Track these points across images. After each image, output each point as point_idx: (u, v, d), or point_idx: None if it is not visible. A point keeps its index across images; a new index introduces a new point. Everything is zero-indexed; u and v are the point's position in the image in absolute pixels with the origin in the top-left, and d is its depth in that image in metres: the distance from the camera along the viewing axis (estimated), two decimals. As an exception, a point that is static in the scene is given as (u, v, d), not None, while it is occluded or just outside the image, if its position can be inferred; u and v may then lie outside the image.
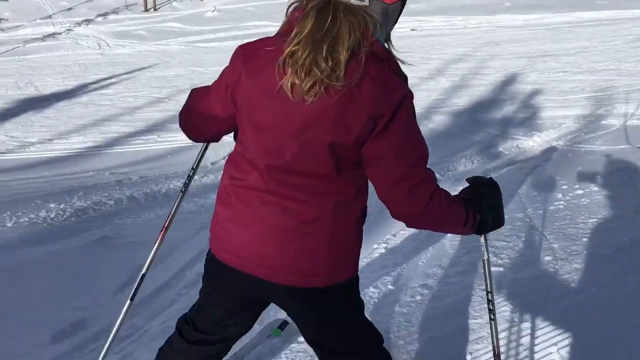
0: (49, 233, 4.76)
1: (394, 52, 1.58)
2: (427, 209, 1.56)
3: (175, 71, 17.29)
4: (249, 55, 1.55)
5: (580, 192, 4.52)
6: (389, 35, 1.62)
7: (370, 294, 3.27)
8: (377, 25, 1.47)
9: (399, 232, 4.24)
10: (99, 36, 21.38)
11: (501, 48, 15.93)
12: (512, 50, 15.35)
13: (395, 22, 1.63)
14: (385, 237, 4.17)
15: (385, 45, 1.60)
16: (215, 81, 1.67)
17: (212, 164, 7.84)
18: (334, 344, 1.79)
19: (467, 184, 1.86)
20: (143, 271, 2.35)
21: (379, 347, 1.87)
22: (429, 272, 3.43)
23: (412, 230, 4.26)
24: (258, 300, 1.83)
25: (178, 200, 2.36)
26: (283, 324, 2.91)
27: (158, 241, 2.36)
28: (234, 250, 1.66)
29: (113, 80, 13.63)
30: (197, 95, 1.83)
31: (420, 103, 10.28)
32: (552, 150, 6.84)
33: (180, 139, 9.20)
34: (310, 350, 2.71)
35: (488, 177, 1.85)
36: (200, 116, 1.79)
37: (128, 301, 2.33)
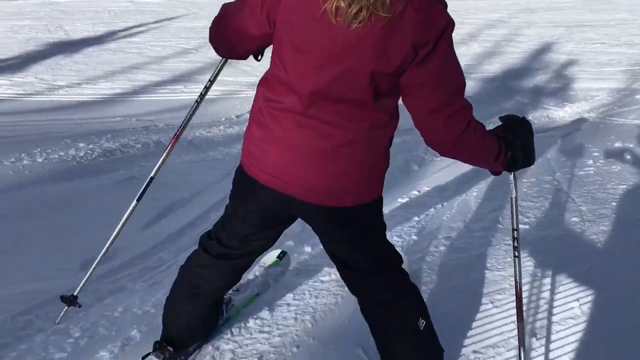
0: (79, 170, 4.84)
1: None
2: (462, 138, 1.58)
3: (204, 23, 17.17)
4: None
5: (611, 159, 4.45)
6: None
7: (394, 242, 3.29)
8: None
9: (423, 189, 4.24)
10: (129, -16, 21.35)
11: (537, 16, 15.52)
12: (549, 18, 14.95)
13: None
14: (409, 192, 4.16)
15: None
16: None
17: (237, 116, 7.85)
18: (355, 261, 1.86)
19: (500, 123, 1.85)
20: (152, 174, 2.50)
21: (399, 267, 1.93)
22: (453, 226, 3.43)
23: (437, 187, 4.26)
24: (285, 218, 1.88)
25: (193, 109, 2.42)
26: (282, 254, 2.97)
27: (169, 147, 2.50)
28: (267, 168, 1.69)
29: (142, 28, 13.58)
30: (230, 9, 1.78)
31: (450, 67, 10.13)
32: (583, 122, 6.70)
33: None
34: (333, 288, 2.77)
35: (521, 116, 1.84)
36: (231, 31, 1.77)
37: (134, 201, 2.49)
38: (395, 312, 1.89)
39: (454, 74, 1.55)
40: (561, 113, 7.48)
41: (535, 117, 7.41)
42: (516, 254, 1.95)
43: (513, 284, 2.68)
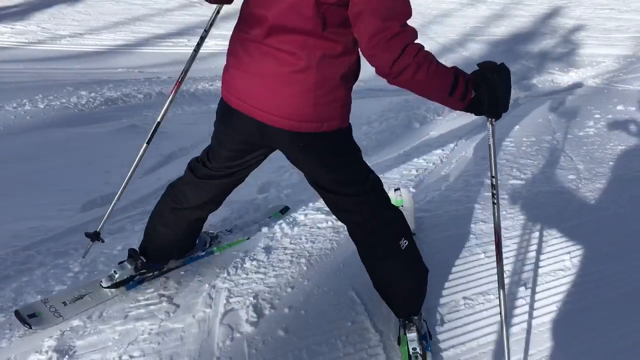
0: (80, 117, 4.85)
1: None
2: (400, 63, 1.60)
3: (209, -22, 16.85)
4: None
5: (612, 121, 4.45)
6: None
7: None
8: None
9: (424, 145, 4.26)
10: None
11: (547, -20, 15.28)
12: (559, -18, 14.71)
13: None
14: (410, 147, 4.18)
15: None
16: None
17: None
18: (330, 185, 1.99)
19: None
20: (158, 119, 2.59)
21: (377, 190, 2.05)
22: (450, 180, 3.46)
23: (437, 144, 4.27)
24: (259, 143, 2.00)
25: (190, 58, 2.50)
26: (284, 209, 3.11)
27: (172, 93, 2.52)
28: (237, 92, 1.87)
29: (146, -20, 13.32)
30: None
31: (456, 30, 9.99)
32: (588, 87, 6.67)
33: (209, 44, 9.13)
34: (329, 235, 2.81)
35: (500, 63, 1.81)
36: None
37: (144, 144, 2.59)
38: (376, 233, 2.02)
39: (390, 1, 1.59)
40: (566, 78, 7.42)
41: (540, 82, 7.36)
42: (494, 201, 1.97)
43: (506, 236, 2.75)
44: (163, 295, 2.34)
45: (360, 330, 2.20)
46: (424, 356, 2.00)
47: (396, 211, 2.07)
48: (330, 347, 2.11)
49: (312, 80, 1.73)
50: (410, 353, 2.00)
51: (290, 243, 2.74)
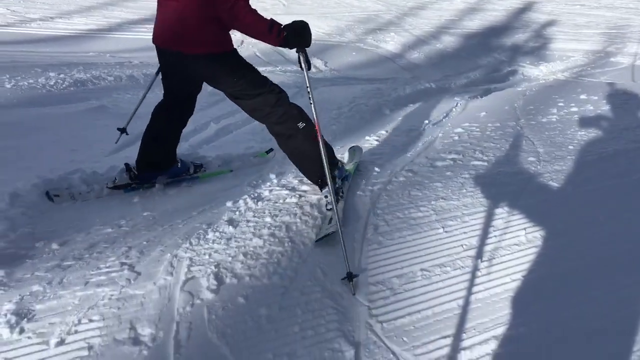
0: (48, 97, 4.81)
1: None
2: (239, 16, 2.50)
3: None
4: None
5: (575, 109, 4.56)
6: None
7: (355, 174, 3.38)
8: None
9: (392, 129, 4.32)
10: None
11: (521, -24, 15.48)
12: (532, -22, 14.93)
13: None
14: (378, 131, 4.24)
15: None
16: None
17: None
18: (237, 101, 2.80)
19: None
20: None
21: (275, 92, 2.78)
22: (415, 161, 3.52)
23: (405, 129, 4.34)
24: (178, 68, 2.80)
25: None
26: (269, 150, 3.72)
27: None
28: (154, 34, 2.76)
29: (120, -36, 13.17)
30: None
31: (431, 22, 10.08)
32: (556, 79, 6.80)
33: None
34: (292, 209, 2.85)
35: (303, 21, 2.61)
36: None
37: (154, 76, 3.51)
38: (280, 121, 2.78)
39: None
40: (536, 71, 7.56)
41: (510, 74, 7.49)
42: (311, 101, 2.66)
43: (465, 212, 2.82)
44: (124, 264, 2.36)
45: (318, 298, 2.24)
46: (334, 204, 2.60)
47: (293, 105, 2.82)
48: (290, 314, 2.15)
49: (194, 18, 2.57)
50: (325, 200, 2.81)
51: (254, 216, 2.77)
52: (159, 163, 3.20)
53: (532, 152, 3.61)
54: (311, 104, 2.66)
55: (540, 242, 2.67)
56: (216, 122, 4.46)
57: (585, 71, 7.38)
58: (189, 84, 2.95)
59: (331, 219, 2.71)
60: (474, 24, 10.13)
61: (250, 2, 2.59)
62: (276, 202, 2.91)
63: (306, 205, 2.87)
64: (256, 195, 2.99)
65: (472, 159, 3.51)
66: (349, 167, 3.28)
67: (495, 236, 2.70)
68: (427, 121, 4.54)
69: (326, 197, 2.81)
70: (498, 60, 8.25)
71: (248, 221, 2.72)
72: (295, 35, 2.59)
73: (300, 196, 2.98)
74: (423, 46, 8.81)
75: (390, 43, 8.91)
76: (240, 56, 2.78)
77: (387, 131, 4.29)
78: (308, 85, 2.68)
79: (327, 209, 2.81)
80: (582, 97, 4.95)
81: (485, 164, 3.43)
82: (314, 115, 2.68)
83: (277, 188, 3.08)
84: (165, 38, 2.68)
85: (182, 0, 2.55)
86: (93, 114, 4.48)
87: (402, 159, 3.61)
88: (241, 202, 2.90)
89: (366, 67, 7.88)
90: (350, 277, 2.32)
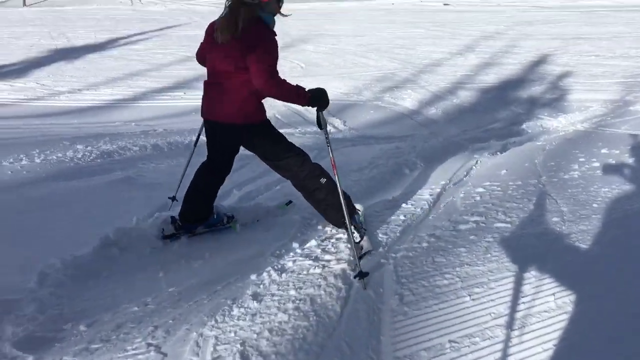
0: (75, 170, 4.94)
1: (274, 20, 3.18)
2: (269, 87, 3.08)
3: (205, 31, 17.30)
4: (209, 26, 3.28)
5: (596, 164, 4.53)
6: (277, 12, 3.19)
7: (378, 239, 3.38)
8: (260, 9, 3.07)
9: (413, 190, 4.33)
10: (132, -7, 21.53)
11: (534, 28, 15.70)
12: (546, 31, 15.12)
13: (279, 7, 3.20)
14: (399, 193, 4.26)
15: (274, 18, 3.18)
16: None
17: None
18: (268, 162, 3.40)
19: None
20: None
21: (300, 155, 3.35)
22: (437, 225, 3.51)
23: (426, 189, 4.35)
24: (223, 138, 3.36)
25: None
26: (288, 202, 4.08)
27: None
28: (203, 110, 3.36)
29: (143, 36, 13.74)
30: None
31: (447, 78, 10.22)
32: (576, 131, 6.79)
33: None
34: (316, 280, 2.85)
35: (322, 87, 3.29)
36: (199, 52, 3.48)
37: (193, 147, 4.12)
38: (305, 178, 3.31)
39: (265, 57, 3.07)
40: (555, 123, 7.56)
41: (529, 127, 7.50)
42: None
43: (492, 278, 2.79)
44: (151, 345, 2.36)
45: (346, 375, 2.21)
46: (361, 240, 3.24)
47: (315, 164, 3.36)
48: (316, 393, 2.12)
49: (236, 97, 3.16)
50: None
51: (278, 289, 2.77)
52: (199, 215, 3.64)
53: (556, 212, 3.58)
54: (328, 145, 3.32)
55: (571, 308, 2.61)
56: (238, 189, 4.53)
57: (605, 121, 7.36)
58: (230, 148, 3.47)
59: (362, 247, 3.26)
60: (490, 78, 10.24)
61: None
62: (300, 274, 2.92)
63: (330, 276, 2.87)
64: (280, 266, 3.01)
65: (495, 221, 3.50)
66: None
67: (523, 303, 2.66)
68: (447, 180, 4.55)
69: (353, 233, 3.23)
70: (516, 113, 8.29)
71: (273, 295, 2.72)
72: (318, 98, 3.22)
73: (324, 266, 2.99)
74: (440, 102, 8.91)
75: (407, 100, 9.03)
76: (272, 125, 3.37)
77: (407, 192, 4.30)
78: (327, 137, 3.30)
79: (355, 242, 3.24)
80: (604, 151, 4.93)
81: (509, 225, 3.41)
82: (331, 155, 3.27)
83: (301, 258, 3.09)
84: (214, 112, 3.25)
85: (227, 81, 3.13)
86: (119, 185, 4.57)
87: (424, 222, 3.61)
88: (265, 274, 2.91)
89: (384, 124, 7.97)
90: (361, 275, 2.84)
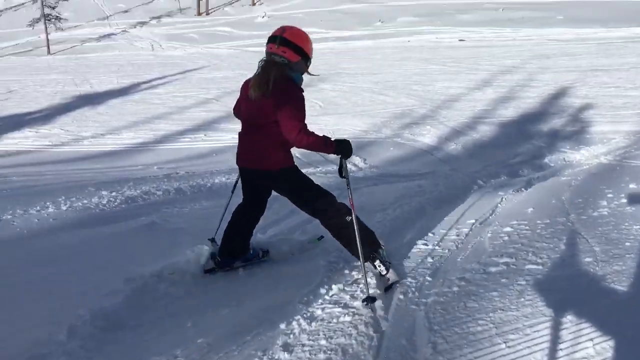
0: (101, 217, 4.98)
1: (302, 78, 3.53)
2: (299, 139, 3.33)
3: (224, 73, 17.74)
4: (245, 82, 3.61)
5: (625, 200, 4.45)
6: (305, 71, 3.52)
7: (407, 283, 3.33)
8: (289, 69, 3.39)
9: (439, 230, 4.29)
10: (152, 38, 22.06)
11: (551, 61, 15.72)
12: (563, 63, 15.12)
13: (307, 66, 3.51)
14: (425, 233, 4.22)
15: (302, 76, 3.52)
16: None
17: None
18: (298, 204, 3.66)
19: None
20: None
21: (333, 205, 3.58)
22: (467, 267, 3.46)
23: (452, 228, 4.30)
24: (257, 182, 3.71)
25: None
26: (320, 237, 4.34)
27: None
28: (239, 157, 3.70)
29: (164, 80, 14.03)
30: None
31: (465, 113, 10.23)
32: (600, 164, 6.71)
33: (225, 138, 9.46)
34: (347, 329, 2.80)
35: (347, 139, 3.56)
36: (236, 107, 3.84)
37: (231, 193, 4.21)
38: (331, 216, 3.55)
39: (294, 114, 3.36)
40: (577, 156, 7.49)
41: (552, 160, 7.43)
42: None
43: (527, 324, 2.72)
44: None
45: None
46: (387, 273, 3.45)
47: (340, 204, 3.59)
48: None
49: (267, 146, 3.47)
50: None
51: (308, 339, 2.73)
52: (237, 251, 3.97)
53: (588, 252, 3.51)
54: (348, 188, 3.60)
55: (611, 354, 2.52)
56: (263, 232, 4.52)
57: (628, 153, 7.26)
58: (263, 192, 3.83)
59: (388, 279, 3.45)
60: (509, 112, 10.22)
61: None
62: (330, 322, 2.88)
63: (361, 325, 2.83)
64: (309, 314, 2.97)
65: (526, 262, 3.43)
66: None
67: (561, 349, 2.57)
68: (474, 220, 4.49)
69: (379, 266, 3.49)
70: (537, 146, 8.23)
71: (303, 345, 2.68)
72: (343, 147, 3.50)
73: (354, 314, 2.95)
74: (460, 137, 8.89)
75: (427, 136, 9.03)
76: (299, 169, 3.64)
77: (434, 233, 4.26)
78: (349, 186, 3.59)
79: (382, 275, 3.48)
80: (632, 186, 4.85)
81: (541, 267, 3.34)
82: (350, 196, 3.56)
83: (330, 305, 3.05)
84: (248, 161, 3.61)
85: (259, 133, 3.45)
86: (144, 231, 4.59)
87: (453, 264, 3.55)
88: (294, 323, 2.87)
89: (405, 161, 7.96)
90: (369, 300, 3.05)
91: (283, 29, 3.44)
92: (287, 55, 3.34)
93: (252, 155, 3.55)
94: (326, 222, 3.59)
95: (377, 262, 3.48)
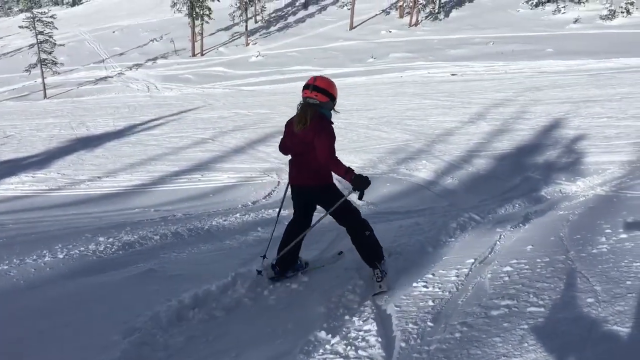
0: (98, 265, 4.94)
1: (331, 113, 4.42)
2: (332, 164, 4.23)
3: (219, 113, 17.88)
4: (288, 122, 4.49)
5: (624, 236, 4.44)
6: (332, 108, 4.39)
7: (409, 330, 3.29)
8: (320, 108, 4.28)
9: (439, 271, 4.26)
10: (148, 79, 22.28)
11: (543, 93, 15.92)
12: (555, 95, 15.32)
13: (334, 105, 4.38)
14: (425, 274, 4.19)
15: (330, 112, 4.39)
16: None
17: (253, 202, 8.00)
18: (334, 214, 4.41)
19: None
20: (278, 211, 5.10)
21: (360, 218, 4.46)
22: (468, 311, 3.42)
23: (452, 269, 4.28)
24: (306, 198, 4.53)
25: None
26: (340, 253, 5.12)
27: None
28: (291, 177, 4.56)
29: (160, 121, 14.13)
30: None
31: (460, 147, 10.29)
32: (596, 196, 6.73)
33: (221, 178, 9.48)
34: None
35: (364, 175, 4.26)
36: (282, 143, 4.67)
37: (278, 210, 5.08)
38: (356, 230, 4.41)
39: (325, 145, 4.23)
40: (573, 187, 7.50)
41: (548, 193, 7.44)
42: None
43: (530, 370, 2.67)
44: None
45: None
46: (381, 281, 4.23)
47: (363, 220, 4.47)
48: None
49: (315, 168, 4.29)
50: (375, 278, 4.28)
51: None
52: (291, 261, 4.70)
53: (589, 292, 3.48)
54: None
55: (618, 401, 2.48)
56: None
57: (624, 183, 7.28)
58: (311, 206, 4.65)
59: (380, 286, 4.19)
60: (504, 144, 10.30)
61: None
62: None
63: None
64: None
65: (527, 304, 3.40)
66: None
67: (567, 397, 2.53)
68: (473, 260, 4.47)
69: (377, 274, 4.29)
70: (533, 179, 8.26)
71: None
72: (359, 180, 4.16)
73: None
74: (456, 171, 8.93)
75: (423, 171, 9.07)
76: (337, 187, 4.49)
77: (433, 274, 4.23)
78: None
79: (377, 281, 4.25)
80: (629, 220, 4.85)
81: (542, 309, 3.31)
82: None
83: (331, 356, 3.00)
84: (298, 178, 4.47)
85: (304, 157, 4.32)
86: (142, 279, 4.55)
87: (454, 308, 3.52)
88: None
89: (402, 197, 7.97)
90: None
91: (315, 78, 4.35)
92: (319, 97, 4.27)
93: (303, 174, 4.41)
94: (351, 232, 4.45)
95: (376, 271, 4.32)
